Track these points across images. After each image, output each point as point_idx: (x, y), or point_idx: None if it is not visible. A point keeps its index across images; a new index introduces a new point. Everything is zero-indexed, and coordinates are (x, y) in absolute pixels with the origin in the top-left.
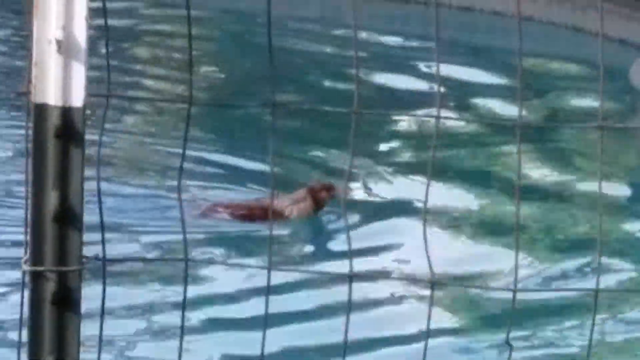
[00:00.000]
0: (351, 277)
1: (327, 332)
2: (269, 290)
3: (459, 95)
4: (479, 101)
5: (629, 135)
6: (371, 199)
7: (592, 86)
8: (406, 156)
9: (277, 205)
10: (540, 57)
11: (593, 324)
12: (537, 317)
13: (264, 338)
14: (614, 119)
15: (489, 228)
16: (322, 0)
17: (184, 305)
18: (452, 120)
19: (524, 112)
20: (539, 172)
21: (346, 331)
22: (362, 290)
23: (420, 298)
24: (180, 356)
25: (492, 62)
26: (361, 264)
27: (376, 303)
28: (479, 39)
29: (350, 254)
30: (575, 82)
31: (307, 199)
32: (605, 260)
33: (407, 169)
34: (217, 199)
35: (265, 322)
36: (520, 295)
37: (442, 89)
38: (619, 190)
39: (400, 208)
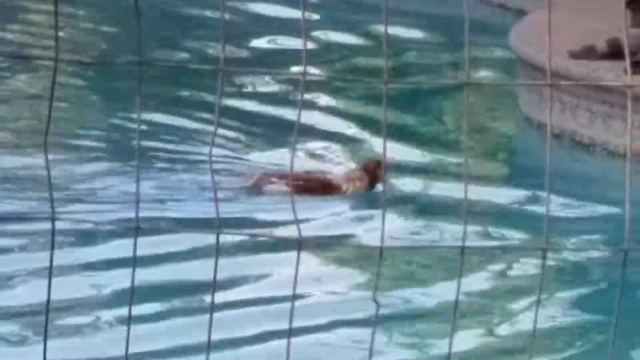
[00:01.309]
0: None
1: None
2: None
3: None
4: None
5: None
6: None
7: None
8: None
9: (334, 180)
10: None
11: (459, 284)
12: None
13: None
14: (492, 79)
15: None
16: None
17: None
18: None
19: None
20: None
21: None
22: None
23: None
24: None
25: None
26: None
27: None
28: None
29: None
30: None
31: (363, 177)
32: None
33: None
34: (268, 170)
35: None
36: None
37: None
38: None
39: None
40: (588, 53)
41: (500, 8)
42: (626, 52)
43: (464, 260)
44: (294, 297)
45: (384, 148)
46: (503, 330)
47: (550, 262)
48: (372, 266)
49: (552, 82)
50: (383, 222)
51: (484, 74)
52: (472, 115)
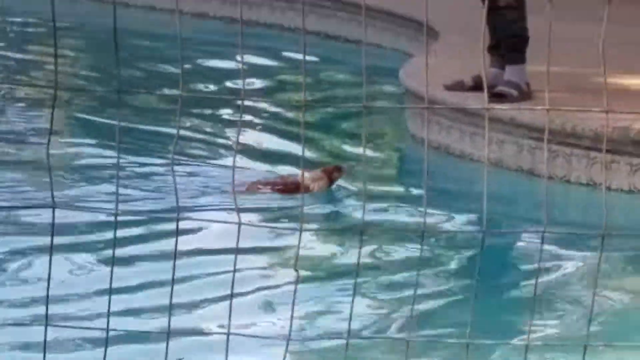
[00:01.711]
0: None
1: None
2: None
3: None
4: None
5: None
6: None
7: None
8: None
9: (304, 180)
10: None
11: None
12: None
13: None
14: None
15: None
16: None
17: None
18: None
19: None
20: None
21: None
22: None
23: None
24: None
25: None
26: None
27: None
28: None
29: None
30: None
31: (324, 177)
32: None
33: None
34: (256, 178)
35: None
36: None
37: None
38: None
39: None
40: (458, 86)
41: (393, 51)
42: (484, 85)
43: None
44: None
45: (302, 162)
46: None
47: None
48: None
49: (428, 106)
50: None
51: (380, 103)
52: (371, 134)
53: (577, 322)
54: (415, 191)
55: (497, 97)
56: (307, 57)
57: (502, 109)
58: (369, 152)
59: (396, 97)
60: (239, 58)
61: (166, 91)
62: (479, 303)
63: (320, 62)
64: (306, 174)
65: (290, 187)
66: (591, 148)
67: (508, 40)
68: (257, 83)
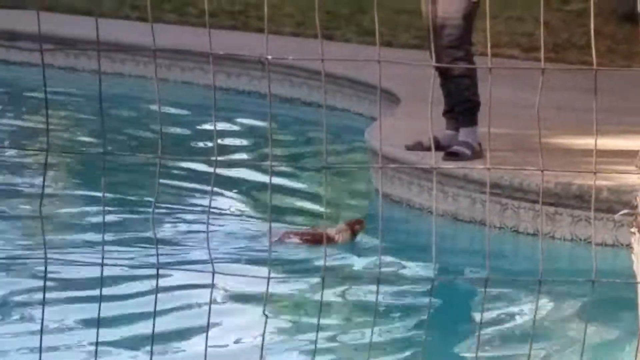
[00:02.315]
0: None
1: None
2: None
3: None
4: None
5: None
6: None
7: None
8: None
9: (329, 233)
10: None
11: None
12: None
13: None
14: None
15: None
16: None
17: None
18: None
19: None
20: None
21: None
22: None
23: None
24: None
25: None
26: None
27: None
28: None
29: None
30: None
31: (347, 229)
32: None
33: None
34: (287, 229)
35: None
36: None
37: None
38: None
39: None
40: (417, 146)
41: (358, 115)
42: (432, 145)
43: None
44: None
45: (269, 221)
46: None
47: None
48: None
49: (382, 165)
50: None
51: (348, 162)
52: (335, 191)
53: None
54: (376, 242)
55: (453, 155)
56: (284, 121)
57: (449, 167)
58: (340, 208)
59: (362, 156)
60: (218, 123)
61: (147, 154)
62: (429, 344)
63: (292, 125)
64: (331, 227)
65: (316, 238)
66: (536, 201)
67: (462, 105)
68: (232, 144)
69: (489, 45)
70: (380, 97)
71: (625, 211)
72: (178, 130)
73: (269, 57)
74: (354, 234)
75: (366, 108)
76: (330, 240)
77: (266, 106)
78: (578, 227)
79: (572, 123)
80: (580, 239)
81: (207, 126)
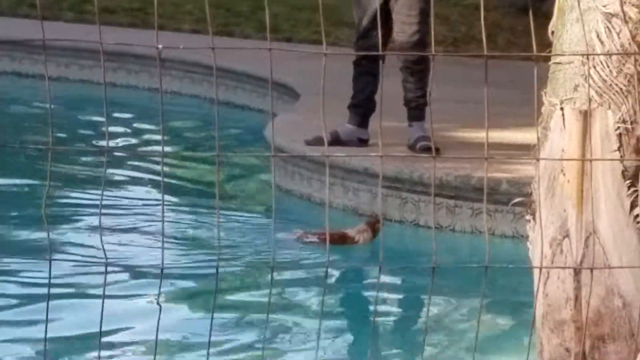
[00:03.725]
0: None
1: None
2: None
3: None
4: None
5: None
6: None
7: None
8: None
9: (350, 233)
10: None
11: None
12: None
13: None
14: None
15: None
16: None
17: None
18: None
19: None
20: None
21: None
22: None
23: None
24: None
25: None
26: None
27: None
28: None
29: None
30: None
31: (368, 229)
32: None
33: None
34: (306, 230)
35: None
36: None
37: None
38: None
39: None
40: (318, 141)
41: (258, 111)
42: (325, 138)
43: None
44: None
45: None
46: None
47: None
48: None
49: (274, 154)
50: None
51: (250, 158)
52: (237, 184)
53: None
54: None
55: (428, 150)
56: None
57: (339, 156)
58: (238, 202)
59: (264, 151)
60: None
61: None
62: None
63: (190, 119)
64: (352, 228)
65: (335, 238)
66: (437, 194)
67: (421, 100)
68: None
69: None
70: (272, 87)
71: (519, 199)
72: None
73: (160, 46)
74: (374, 233)
75: (267, 104)
76: (351, 241)
77: (167, 103)
78: (478, 219)
79: (471, 116)
80: (481, 232)
81: (98, 118)
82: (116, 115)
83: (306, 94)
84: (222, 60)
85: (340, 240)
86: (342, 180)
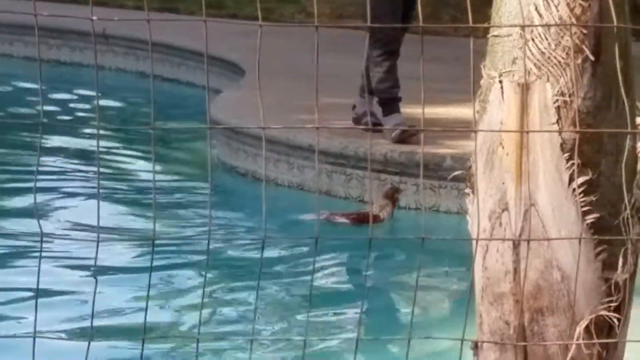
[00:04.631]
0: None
1: None
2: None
3: None
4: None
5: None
6: None
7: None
8: None
9: (375, 211)
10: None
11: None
12: None
13: None
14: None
15: None
16: None
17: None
18: None
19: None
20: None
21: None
22: None
23: None
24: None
25: None
26: None
27: None
28: None
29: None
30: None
31: (389, 202)
32: None
33: None
34: (332, 210)
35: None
36: None
37: None
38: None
39: None
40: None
41: (202, 88)
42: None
43: None
44: None
45: (153, 180)
46: None
47: None
48: None
49: (210, 126)
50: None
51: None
52: (179, 162)
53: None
54: (220, 213)
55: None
56: (126, 93)
57: (277, 128)
58: (182, 178)
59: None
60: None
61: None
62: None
63: (136, 96)
64: (375, 204)
65: (361, 217)
66: (381, 171)
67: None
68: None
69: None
70: (217, 63)
71: (458, 172)
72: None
73: (94, 17)
74: (394, 204)
75: (211, 81)
76: (376, 219)
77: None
78: (421, 195)
79: (414, 91)
80: (426, 208)
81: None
82: (59, 92)
83: (251, 70)
84: (167, 37)
85: (364, 219)
86: (287, 156)
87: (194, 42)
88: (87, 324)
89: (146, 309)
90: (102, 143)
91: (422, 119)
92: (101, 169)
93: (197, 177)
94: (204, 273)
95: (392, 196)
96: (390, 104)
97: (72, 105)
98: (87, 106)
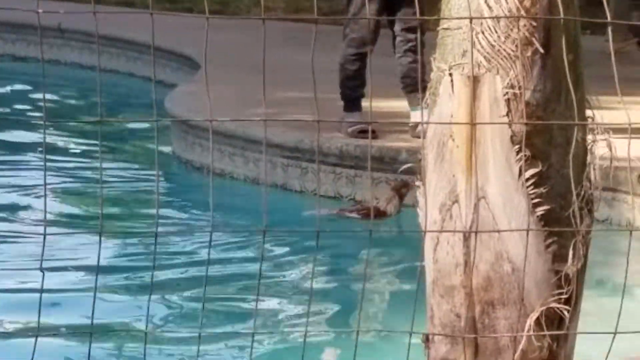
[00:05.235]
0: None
1: None
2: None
3: None
4: None
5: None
6: None
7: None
8: None
9: (381, 206)
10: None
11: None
12: None
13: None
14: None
15: None
16: None
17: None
18: None
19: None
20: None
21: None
22: None
23: None
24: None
25: None
26: None
27: None
28: None
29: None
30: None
31: (395, 196)
32: None
33: None
34: (343, 206)
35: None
36: None
37: None
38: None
39: None
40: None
41: (158, 82)
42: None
43: None
44: None
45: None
46: None
47: None
48: None
49: (157, 119)
50: None
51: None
52: (135, 155)
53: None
54: (172, 206)
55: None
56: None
57: (224, 120)
58: (137, 172)
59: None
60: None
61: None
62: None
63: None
64: (381, 198)
65: (369, 213)
66: (337, 164)
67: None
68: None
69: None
70: (173, 58)
71: (408, 165)
72: None
73: (40, 10)
74: (401, 198)
75: (167, 75)
76: (384, 214)
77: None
78: (379, 188)
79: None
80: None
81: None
82: (16, 85)
83: (207, 64)
84: (124, 31)
85: (376, 215)
86: (243, 150)
87: (150, 36)
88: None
89: (148, 309)
90: (54, 138)
91: (370, 113)
92: (50, 164)
93: (151, 171)
94: (204, 271)
95: (399, 190)
96: (352, 102)
97: (23, 100)
98: (41, 101)
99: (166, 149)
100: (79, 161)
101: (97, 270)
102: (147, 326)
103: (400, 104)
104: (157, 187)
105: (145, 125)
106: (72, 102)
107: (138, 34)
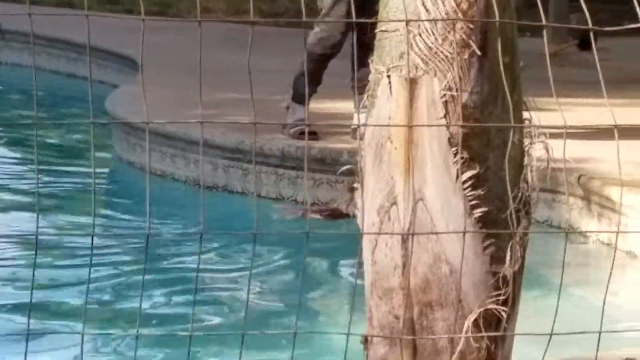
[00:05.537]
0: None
1: None
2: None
3: None
4: None
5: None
6: None
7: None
8: None
9: (342, 208)
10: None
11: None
12: None
13: None
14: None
15: None
16: None
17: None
18: None
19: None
20: None
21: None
22: None
23: None
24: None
25: None
26: None
27: None
28: None
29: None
30: None
31: (354, 198)
32: None
33: None
34: (306, 206)
35: None
36: None
37: None
38: None
39: None
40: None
41: (99, 83)
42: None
43: None
44: None
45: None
46: None
47: None
48: None
49: (94, 121)
50: None
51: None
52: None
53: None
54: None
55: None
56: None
57: (160, 122)
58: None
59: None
60: None
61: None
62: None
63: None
64: (341, 201)
65: (336, 214)
66: (278, 165)
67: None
68: None
69: None
70: (114, 59)
71: (347, 167)
72: None
73: None
74: None
75: (108, 76)
76: (345, 215)
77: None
78: (320, 190)
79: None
80: (321, 202)
81: None
82: None
83: (147, 66)
84: (64, 32)
85: (340, 215)
86: (183, 151)
87: (90, 37)
88: None
89: (139, 307)
90: None
91: (307, 114)
92: None
93: (96, 174)
94: (195, 273)
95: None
96: (303, 96)
97: None
98: None
99: (108, 150)
100: (14, 166)
101: (89, 271)
102: (191, 327)
103: (345, 105)
104: (93, 188)
105: (86, 126)
106: (14, 103)
107: (78, 35)
